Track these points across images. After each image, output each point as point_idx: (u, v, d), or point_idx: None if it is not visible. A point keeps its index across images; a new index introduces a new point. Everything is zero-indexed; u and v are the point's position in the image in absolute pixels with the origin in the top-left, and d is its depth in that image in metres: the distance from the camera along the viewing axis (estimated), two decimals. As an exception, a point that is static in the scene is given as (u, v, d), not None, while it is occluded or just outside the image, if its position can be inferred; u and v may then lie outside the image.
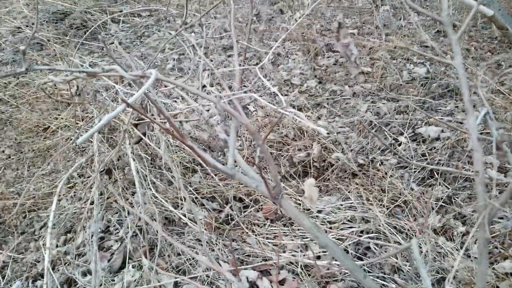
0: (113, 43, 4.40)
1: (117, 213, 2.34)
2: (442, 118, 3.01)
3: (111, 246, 2.20)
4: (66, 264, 2.15)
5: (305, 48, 4.05)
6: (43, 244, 2.27)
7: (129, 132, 2.01)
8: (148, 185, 2.18)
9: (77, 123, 2.46)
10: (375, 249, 1.96)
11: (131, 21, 4.84)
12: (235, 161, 0.92)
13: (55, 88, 3.19)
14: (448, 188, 2.48)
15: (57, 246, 2.33)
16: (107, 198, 2.37)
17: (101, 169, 1.97)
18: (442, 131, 2.88)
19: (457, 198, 2.41)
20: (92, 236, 2.16)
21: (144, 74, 0.80)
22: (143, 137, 1.29)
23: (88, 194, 2.18)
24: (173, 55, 4.02)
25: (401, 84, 3.43)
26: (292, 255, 1.98)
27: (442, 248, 2.07)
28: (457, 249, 2.08)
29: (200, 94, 0.84)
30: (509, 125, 2.83)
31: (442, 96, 3.31)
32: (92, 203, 2.30)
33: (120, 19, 4.76)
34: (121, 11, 4.89)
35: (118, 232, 2.23)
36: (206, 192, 2.27)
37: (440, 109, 3.16)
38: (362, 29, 4.61)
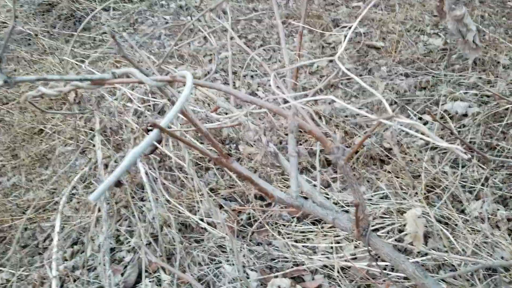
0: (105, 32, 4.14)
1: (126, 220, 2.14)
2: (466, 92, 2.79)
3: (123, 257, 2.00)
4: (76, 281, 1.96)
5: (311, 25, 3.79)
6: (49, 259, 2.08)
7: (140, 138, 1.80)
8: (159, 189, 1.97)
9: (77, 137, 2.23)
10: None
11: (122, 7, 4.56)
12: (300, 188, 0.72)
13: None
14: (484, 169, 2.28)
15: (64, 260, 2.14)
16: (116, 203, 2.17)
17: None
18: (469, 106, 2.66)
19: (495, 179, 2.21)
20: (100, 247, 1.97)
21: (174, 78, 0.58)
22: (158, 146, 1.09)
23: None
24: (171, 41, 3.77)
25: (418, 58, 3.20)
26: (326, 257, 1.79)
27: (487, 238, 1.88)
28: (504, 237, 1.89)
29: (259, 103, 0.62)
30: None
31: (463, 68, 3.08)
32: (99, 210, 2.10)
33: (110, 7, 4.48)
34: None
35: (129, 242, 2.03)
36: (224, 192, 2.06)
37: (463, 82, 2.93)
38: (368, 1, 4.35)
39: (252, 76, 3.19)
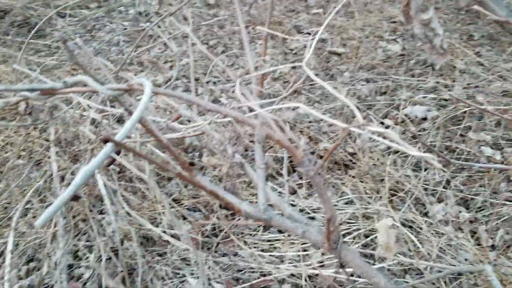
0: (59, 40, 3.99)
1: (85, 234, 2.04)
2: (425, 96, 2.85)
3: (82, 274, 1.91)
4: (32, 302, 1.85)
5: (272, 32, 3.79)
6: (1, 279, 1.95)
7: (98, 149, 1.71)
8: (119, 201, 1.89)
9: (31, 149, 2.12)
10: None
11: (79, 14, 4.43)
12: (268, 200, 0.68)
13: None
14: (445, 172, 2.32)
15: (19, 278, 2.01)
16: (73, 217, 2.07)
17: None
18: (429, 110, 2.72)
19: (456, 181, 2.26)
20: (57, 264, 1.87)
21: (131, 86, 0.54)
22: (116, 157, 1.02)
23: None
24: (130, 48, 3.67)
25: (378, 63, 3.25)
26: (293, 266, 1.76)
27: (451, 240, 1.90)
28: (467, 239, 1.92)
29: (223, 111, 0.58)
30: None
31: (421, 73, 3.15)
32: (55, 225, 1.99)
33: (66, 13, 4.34)
34: (67, 3, 4.46)
35: (88, 258, 1.93)
36: (188, 202, 2.01)
37: (421, 87, 2.99)
38: (327, 8, 4.40)
39: (214, 83, 3.14)
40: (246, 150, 2.00)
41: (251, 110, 0.70)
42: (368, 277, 0.70)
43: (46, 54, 3.80)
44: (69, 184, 1.90)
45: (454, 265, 1.67)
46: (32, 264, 2.03)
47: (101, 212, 2.07)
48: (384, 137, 0.55)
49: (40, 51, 3.89)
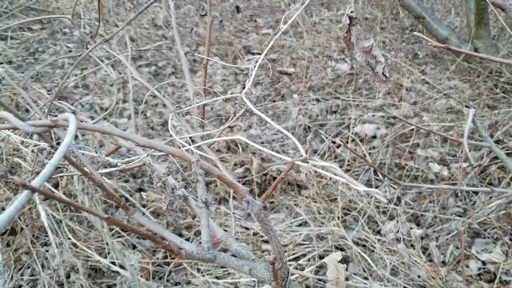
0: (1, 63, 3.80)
1: (29, 267, 1.90)
2: (374, 115, 2.90)
3: (24, 313, 1.77)
4: None
5: (222, 52, 3.78)
6: None
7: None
8: (64, 232, 1.78)
9: None
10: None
11: (21, 36, 4.25)
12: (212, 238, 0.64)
13: None
14: (396, 189, 2.36)
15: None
16: (15, 250, 1.93)
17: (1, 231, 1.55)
18: (378, 128, 2.77)
19: (406, 198, 2.29)
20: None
21: (56, 122, 0.49)
22: (55, 190, 0.95)
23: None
24: (75, 71, 3.54)
25: (327, 83, 3.30)
26: (248, 293, 1.71)
27: (404, 258, 1.91)
28: (419, 255, 1.94)
29: (159, 147, 0.54)
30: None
31: (369, 91, 3.22)
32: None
33: (7, 35, 4.15)
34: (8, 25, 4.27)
35: (31, 294, 1.80)
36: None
37: (370, 105, 3.05)
38: (276, 29, 4.44)
39: (164, 105, 3.07)
40: (188, 185, 1.94)
41: (193, 141, 0.66)
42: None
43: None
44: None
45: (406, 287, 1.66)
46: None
47: (45, 244, 1.94)
48: (328, 170, 0.53)
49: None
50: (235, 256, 0.69)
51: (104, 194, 0.59)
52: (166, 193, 0.62)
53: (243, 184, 2.32)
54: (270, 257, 0.58)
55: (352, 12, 0.64)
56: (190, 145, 0.60)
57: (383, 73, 0.65)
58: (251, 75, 0.63)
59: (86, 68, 3.56)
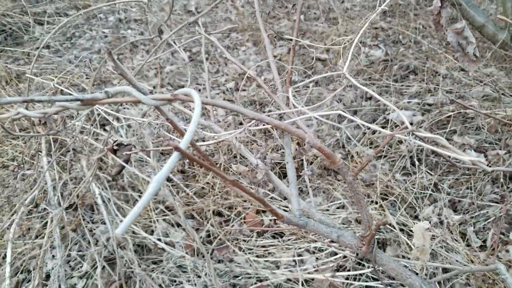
0: (38, 48, 3.91)
1: (76, 244, 2.00)
2: (410, 101, 2.90)
3: (75, 284, 1.87)
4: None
5: (255, 38, 3.81)
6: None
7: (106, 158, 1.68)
8: (113, 209, 1.87)
9: (23, 160, 2.06)
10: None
11: (57, 21, 4.35)
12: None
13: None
14: (432, 175, 2.37)
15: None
16: (62, 228, 2.02)
17: (66, 205, 1.63)
18: (414, 115, 2.77)
19: (443, 184, 2.30)
20: (51, 274, 1.82)
21: (176, 96, 0.53)
22: (126, 165, 1.01)
23: (44, 230, 1.83)
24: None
25: (361, 69, 3.30)
26: (289, 271, 1.76)
27: (442, 242, 1.93)
28: (457, 240, 1.96)
29: (270, 121, 0.58)
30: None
31: (404, 77, 3.21)
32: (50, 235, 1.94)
33: (45, 20, 4.26)
34: (45, 12, 4.39)
35: (81, 267, 1.89)
36: (181, 210, 1.98)
37: (405, 91, 3.05)
38: (308, 15, 4.44)
39: (199, 90, 3.13)
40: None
41: (281, 117, 0.70)
42: (402, 279, 0.71)
43: (25, 63, 3.72)
44: (63, 193, 1.86)
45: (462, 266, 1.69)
46: (21, 276, 1.97)
47: (92, 222, 2.03)
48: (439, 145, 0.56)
49: (18, 59, 3.80)
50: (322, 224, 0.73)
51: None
52: (261, 166, 0.66)
53: (280, 168, 2.37)
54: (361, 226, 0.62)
55: None
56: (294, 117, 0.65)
57: (473, 53, 0.68)
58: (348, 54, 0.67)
59: (122, 54, 3.64)
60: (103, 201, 1.78)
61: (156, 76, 3.19)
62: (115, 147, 0.92)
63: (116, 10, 4.42)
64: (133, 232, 1.82)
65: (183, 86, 3.10)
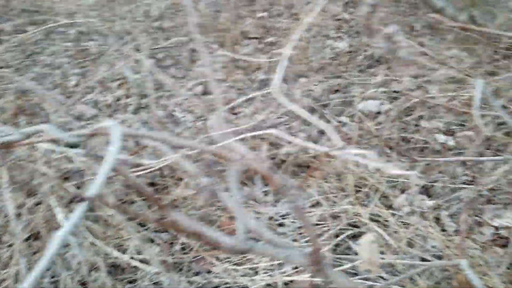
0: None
1: (48, 270, 1.94)
2: (376, 90, 2.91)
3: (49, 313, 1.82)
4: None
5: (220, 39, 3.77)
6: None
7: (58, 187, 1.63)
8: (82, 231, 1.82)
9: None
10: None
11: (15, 38, 4.23)
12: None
13: None
14: (404, 162, 2.38)
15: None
16: (33, 254, 1.97)
17: (26, 236, 1.59)
18: (381, 104, 2.78)
19: (415, 170, 2.31)
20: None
21: (97, 131, 0.50)
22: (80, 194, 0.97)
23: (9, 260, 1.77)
24: (75, 69, 3.55)
25: (327, 62, 3.30)
26: (269, 276, 1.75)
27: (417, 230, 1.94)
28: (432, 226, 1.97)
29: (197, 147, 0.55)
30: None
31: (369, 67, 3.22)
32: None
33: (1, 39, 4.14)
34: (1, 30, 4.26)
35: (55, 293, 1.84)
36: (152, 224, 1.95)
37: (371, 81, 3.06)
38: (271, 12, 4.42)
39: (167, 97, 3.09)
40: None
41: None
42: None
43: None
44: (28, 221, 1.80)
45: (427, 260, 1.70)
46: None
47: (63, 246, 1.97)
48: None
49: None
50: (270, 244, 0.71)
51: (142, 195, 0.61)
52: (200, 187, 0.64)
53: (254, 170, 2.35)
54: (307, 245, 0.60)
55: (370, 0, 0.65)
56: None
57: (406, 57, 0.67)
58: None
59: (86, 67, 3.57)
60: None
61: (120, 87, 3.13)
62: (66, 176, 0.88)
63: (75, 23, 4.32)
64: (106, 254, 1.78)
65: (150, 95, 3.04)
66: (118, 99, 3.00)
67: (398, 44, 0.66)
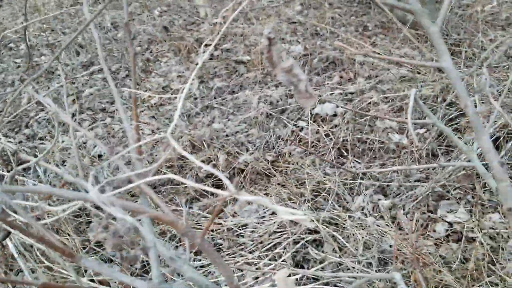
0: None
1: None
2: (332, 93, 2.96)
3: None
4: None
5: (174, 48, 3.75)
6: None
7: None
8: (36, 256, 1.77)
9: None
10: (316, 254, 1.80)
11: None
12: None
13: None
14: (360, 163, 2.43)
15: None
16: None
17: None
18: (337, 106, 2.82)
19: (370, 170, 2.36)
20: None
21: None
22: (12, 231, 0.94)
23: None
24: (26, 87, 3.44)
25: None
26: None
27: (374, 229, 1.98)
28: (388, 225, 2.02)
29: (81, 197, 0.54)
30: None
31: (325, 70, 3.27)
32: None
33: None
34: None
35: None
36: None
37: (327, 83, 3.10)
38: (226, 17, 4.41)
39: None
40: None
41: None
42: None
43: None
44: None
45: (368, 271, 1.73)
46: None
47: (20, 271, 1.92)
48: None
49: None
50: (190, 283, 0.71)
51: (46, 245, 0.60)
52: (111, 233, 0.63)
53: (213, 180, 2.34)
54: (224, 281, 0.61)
55: (269, 33, 0.66)
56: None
57: (306, 90, 0.68)
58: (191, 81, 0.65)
59: (39, 82, 3.47)
60: (20, 253, 1.69)
61: (74, 102, 3.07)
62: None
63: (26, 38, 4.20)
64: (62, 277, 1.74)
65: (104, 109, 2.99)
66: (73, 115, 2.94)
67: (297, 77, 0.66)
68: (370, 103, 2.71)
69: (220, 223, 2.00)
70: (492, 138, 2.26)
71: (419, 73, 3.01)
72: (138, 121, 0.83)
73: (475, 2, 3.68)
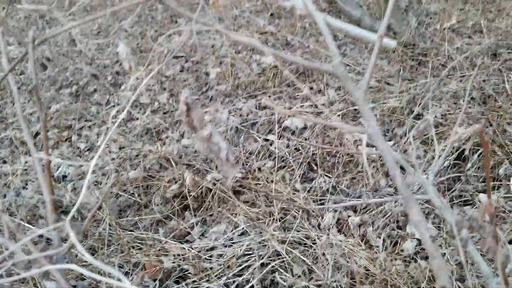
0: None
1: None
2: (302, 105, 2.94)
3: None
4: None
5: (144, 60, 3.68)
6: None
7: None
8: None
9: None
10: (282, 279, 1.77)
11: None
12: None
13: None
14: (330, 177, 2.41)
15: None
16: None
17: None
18: (307, 119, 2.80)
19: (341, 185, 2.35)
20: None
21: None
22: None
23: None
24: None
25: (254, 79, 3.29)
26: None
27: (343, 249, 1.96)
28: (359, 244, 2.00)
29: None
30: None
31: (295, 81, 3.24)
32: None
33: None
34: None
35: None
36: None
37: (298, 95, 3.09)
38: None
39: (89, 127, 2.97)
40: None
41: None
42: None
43: None
44: None
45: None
46: None
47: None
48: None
49: None
50: None
51: None
52: None
53: (180, 200, 2.29)
54: None
55: (186, 97, 0.62)
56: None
57: (227, 158, 0.65)
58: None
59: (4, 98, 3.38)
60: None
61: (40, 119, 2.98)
62: None
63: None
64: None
65: (70, 126, 2.92)
66: (37, 134, 2.85)
67: (218, 145, 0.64)
68: (339, 115, 2.70)
69: (187, 248, 1.96)
70: (458, 151, 2.27)
71: (387, 83, 3.02)
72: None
73: (442, 10, 3.72)
